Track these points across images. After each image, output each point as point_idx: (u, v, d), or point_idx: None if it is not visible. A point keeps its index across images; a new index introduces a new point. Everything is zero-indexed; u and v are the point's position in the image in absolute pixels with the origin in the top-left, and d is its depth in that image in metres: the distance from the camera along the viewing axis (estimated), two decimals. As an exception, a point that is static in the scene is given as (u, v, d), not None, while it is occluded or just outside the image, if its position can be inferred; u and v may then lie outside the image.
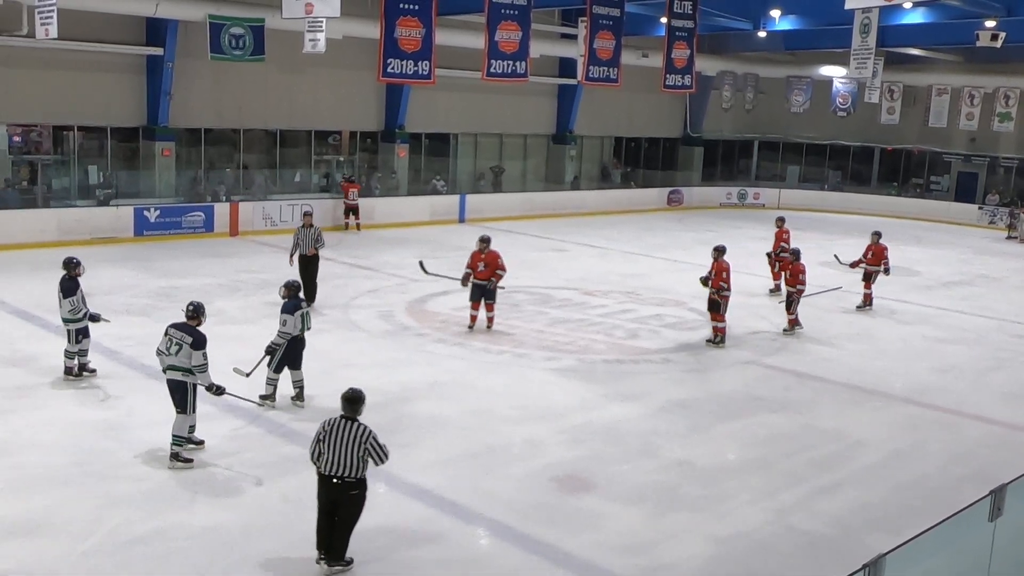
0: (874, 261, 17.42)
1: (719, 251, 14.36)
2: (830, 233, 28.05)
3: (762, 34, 26.91)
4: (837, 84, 33.35)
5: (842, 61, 27.16)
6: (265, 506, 8.25)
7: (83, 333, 11.11)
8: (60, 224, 20.46)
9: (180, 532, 7.66)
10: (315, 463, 7.07)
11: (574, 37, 24.17)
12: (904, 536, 5.11)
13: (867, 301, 17.41)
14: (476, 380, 12.24)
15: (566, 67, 28.84)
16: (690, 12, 20.20)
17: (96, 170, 22.65)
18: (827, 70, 32.88)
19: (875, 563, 4.50)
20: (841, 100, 33.53)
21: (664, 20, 20.59)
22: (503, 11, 17.32)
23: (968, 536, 6.26)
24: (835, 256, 18.52)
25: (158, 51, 22.18)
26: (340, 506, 7.03)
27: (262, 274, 17.69)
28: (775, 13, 25.08)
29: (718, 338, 14.31)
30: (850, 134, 35.34)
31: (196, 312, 9.17)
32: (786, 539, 8.11)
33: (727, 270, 14.17)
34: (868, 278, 17.46)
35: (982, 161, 33.91)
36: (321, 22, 19.14)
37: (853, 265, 17.54)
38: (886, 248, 17.51)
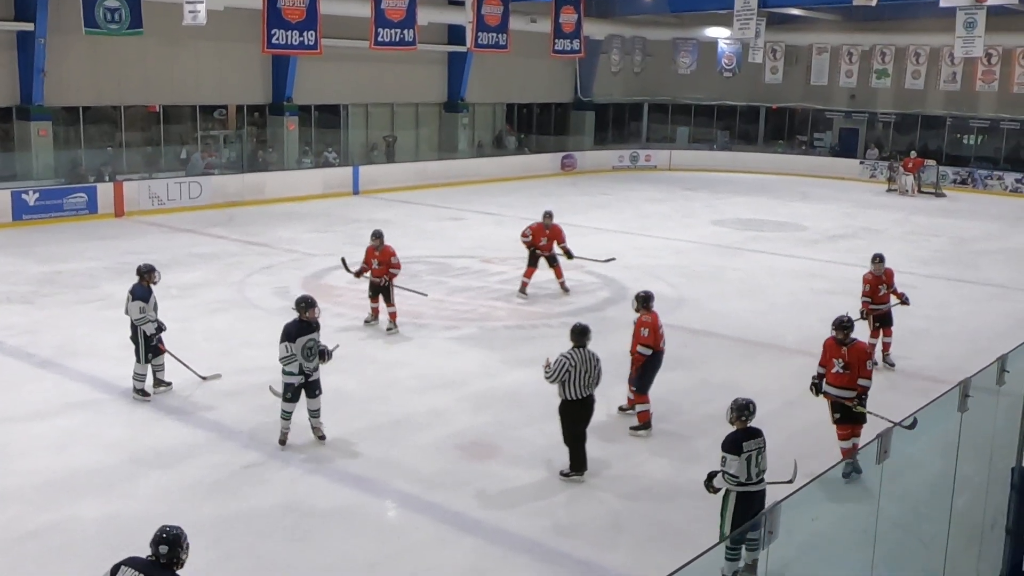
0: (884, 298, 11.86)
1: (379, 237, 13.01)
2: (719, 192, 28.67)
3: (648, -3, 27.22)
4: (722, 45, 33.91)
5: (726, 22, 27.68)
6: (163, 494, 8.07)
7: None
8: (-69, 211, 19.52)
9: (76, 524, 7.46)
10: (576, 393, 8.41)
11: (462, 3, 24.00)
12: (797, 483, 5.30)
13: (885, 352, 11.97)
14: (377, 352, 12.18)
15: (455, 34, 28.59)
16: (576, -24, 20.29)
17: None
18: (712, 31, 33.37)
19: (772, 509, 4.69)
20: (726, 61, 34.14)
21: (551, -15, 20.63)
22: (388, -22, 17.13)
23: (859, 479, 6.68)
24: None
25: (28, 26, 21.13)
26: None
27: (150, 255, 17.11)
28: (660, -24, 25.39)
29: (391, 324, 13.03)
30: (736, 94, 36.02)
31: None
32: (689, 492, 8.31)
33: (394, 254, 12.97)
34: (882, 321, 11.91)
35: (862, 117, 34.99)
36: (200, -7, 18.61)
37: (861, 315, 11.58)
38: (892, 273, 12.10)
